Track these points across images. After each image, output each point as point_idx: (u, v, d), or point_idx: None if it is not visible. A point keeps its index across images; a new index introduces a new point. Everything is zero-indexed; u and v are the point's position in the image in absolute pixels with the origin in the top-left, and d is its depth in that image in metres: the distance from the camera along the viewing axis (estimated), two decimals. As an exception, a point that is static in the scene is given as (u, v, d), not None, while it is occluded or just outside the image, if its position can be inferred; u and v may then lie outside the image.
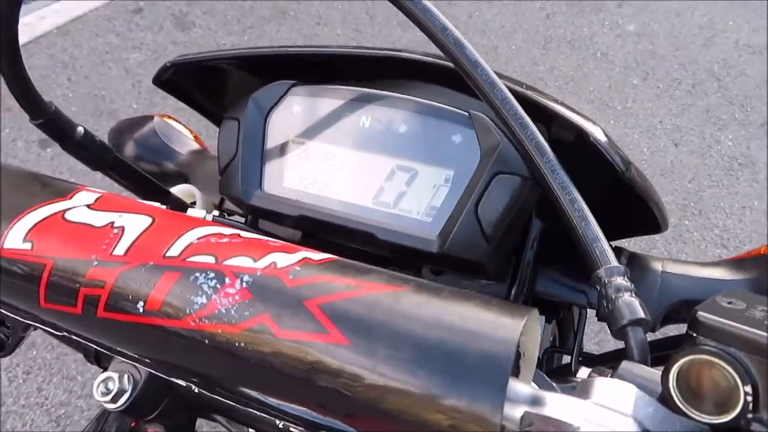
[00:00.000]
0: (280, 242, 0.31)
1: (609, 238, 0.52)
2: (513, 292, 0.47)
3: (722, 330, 0.25)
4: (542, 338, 0.63)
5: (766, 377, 0.24)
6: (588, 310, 0.51)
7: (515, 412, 0.24)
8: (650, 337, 0.33)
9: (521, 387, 0.25)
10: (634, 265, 0.49)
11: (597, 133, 0.41)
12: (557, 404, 0.24)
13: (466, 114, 0.43)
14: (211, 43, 2.51)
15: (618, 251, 0.50)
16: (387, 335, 0.25)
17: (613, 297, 0.31)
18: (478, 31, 2.88)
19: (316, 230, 0.47)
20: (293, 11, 2.73)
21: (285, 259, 0.28)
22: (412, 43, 2.70)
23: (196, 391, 0.38)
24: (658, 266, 0.48)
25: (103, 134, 0.50)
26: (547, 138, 0.44)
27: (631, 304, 0.30)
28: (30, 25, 2.40)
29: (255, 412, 0.35)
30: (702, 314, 0.26)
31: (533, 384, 0.26)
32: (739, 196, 2.27)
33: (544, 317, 0.60)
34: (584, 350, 0.58)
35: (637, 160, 2.40)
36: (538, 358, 0.55)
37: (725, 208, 2.24)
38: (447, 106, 0.44)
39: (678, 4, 3.26)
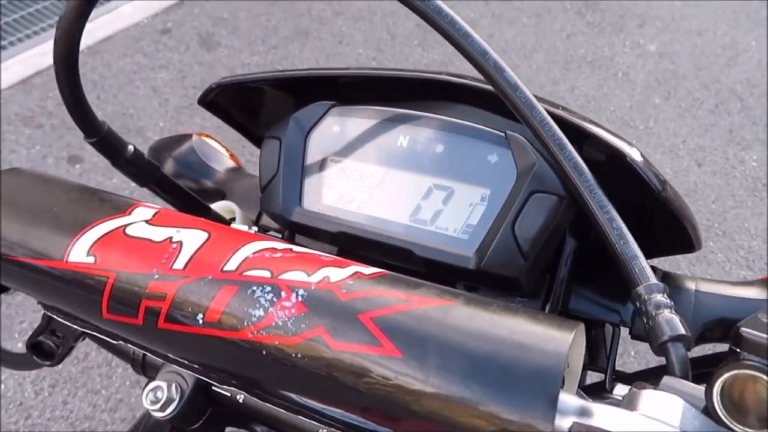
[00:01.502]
0: (331, 257, 0.32)
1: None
2: (547, 309, 0.48)
3: (765, 345, 0.25)
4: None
5: None
6: (621, 328, 0.51)
7: (564, 423, 0.25)
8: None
9: (570, 398, 0.25)
10: (669, 284, 0.50)
11: (633, 153, 0.42)
12: (605, 415, 0.25)
13: (503, 134, 0.44)
14: (236, 63, 2.56)
15: (652, 270, 0.51)
16: (439, 347, 0.26)
17: (654, 313, 0.32)
18: (499, 51, 2.88)
19: (354, 246, 0.48)
20: (316, 31, 2.78)
21: (337, 273, 0.30)
22: (433, 63, 2.73)
23: (241, 401, 0.39)
24: (692, 285, 0.49)
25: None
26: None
27: (672, 321, 0.31)
28: (61, 45, 2.47)
29: (299, 419, 0.36)
30: (745, 330, 0.26)
31: (581, 394, 0.26)
32: (764, 217, 2.25)
33: None
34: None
35: (659, 180, 2.40)
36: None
37: (750, 229, 2.22)
38: (483, 127, 0.45)
39: (699, 24, 3.26)
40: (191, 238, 0.32)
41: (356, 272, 0.30)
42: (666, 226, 0.46)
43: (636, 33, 3.16)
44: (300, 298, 0.29)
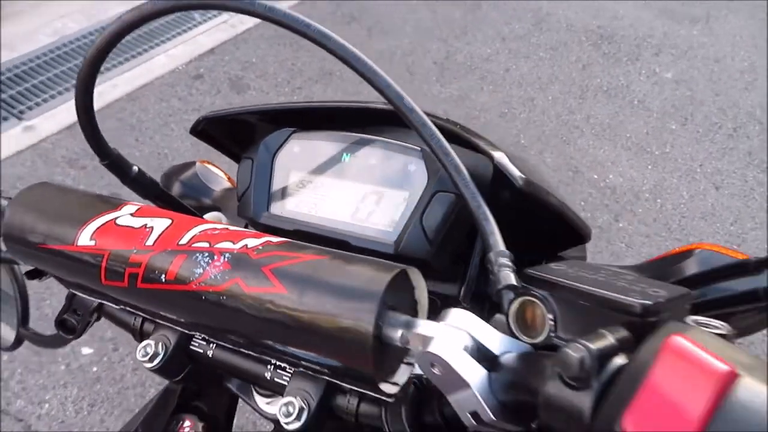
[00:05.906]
0: (253, 232, 0.44)
1: (547, 253, 0.63)
2: (462, 290, 0.58)
3: (537, 278, 0.36)
4: None
5: (562, 308, 0.35)
6: None
7: (396, 333, 0.36)
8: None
9: (400, 316, 0.37)
10: None
11: (498, 156, 0.52)
12: (422, 326, 0.36)
13: (419, 149, 0.56)
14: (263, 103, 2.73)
15: (559, 259, 0.61)
16: (309, 284, 0.38)
17: (497, 271, 0.42)
18: (515, 84, 3.00)
19: (308, 241, 0.60)
20: (339, 72, 2.94)
21: (253, 241, 0.42)
22: (451, 97, 2.85)
23: (211, 356, 0.51)
24: None
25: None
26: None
27: (507, 276, 0.41)
28: (103, 93, 2.67)
29: (255, 367, 0.47)
30: (528, 270, 0.37)
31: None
32: (784, 237, 2.27)
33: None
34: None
35: (676, 204, 2.43)
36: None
37: (770, 250, 2.23)
38: (405, 144, 0.57)
39: (717, 51, 3.31)
40: (159, 224, 0.45)
41: (266, 240, 0.42)
42: (550, 222, 0.56)
43: (652, 61, 3.22)
44: (226, 259, 0.41)
